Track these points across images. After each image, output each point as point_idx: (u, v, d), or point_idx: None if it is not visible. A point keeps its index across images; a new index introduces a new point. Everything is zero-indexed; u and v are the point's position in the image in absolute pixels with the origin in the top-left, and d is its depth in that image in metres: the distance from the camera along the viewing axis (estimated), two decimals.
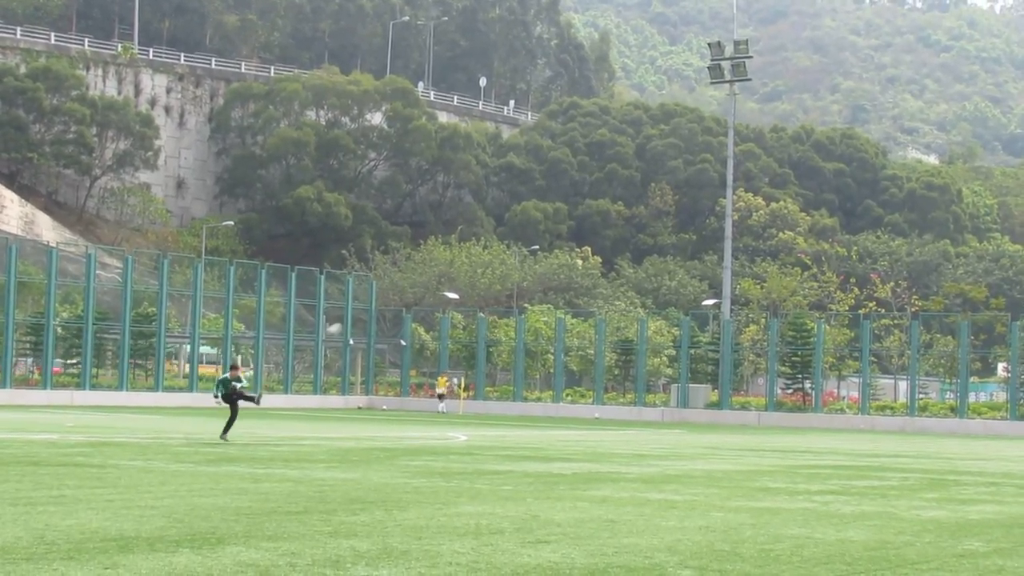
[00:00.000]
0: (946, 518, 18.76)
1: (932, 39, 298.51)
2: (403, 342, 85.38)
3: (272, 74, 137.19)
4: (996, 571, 13.46)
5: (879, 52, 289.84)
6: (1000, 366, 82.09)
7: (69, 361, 74.33)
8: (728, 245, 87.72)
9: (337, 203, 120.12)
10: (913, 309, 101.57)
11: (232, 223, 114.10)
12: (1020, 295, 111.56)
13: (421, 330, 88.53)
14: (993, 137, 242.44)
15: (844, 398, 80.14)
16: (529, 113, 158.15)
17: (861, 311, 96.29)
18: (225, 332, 76.84)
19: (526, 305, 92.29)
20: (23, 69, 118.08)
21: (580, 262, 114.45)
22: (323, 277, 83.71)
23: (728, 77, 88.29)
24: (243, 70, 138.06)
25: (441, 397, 75.52)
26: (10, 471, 22.55)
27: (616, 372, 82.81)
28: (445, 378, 79.25)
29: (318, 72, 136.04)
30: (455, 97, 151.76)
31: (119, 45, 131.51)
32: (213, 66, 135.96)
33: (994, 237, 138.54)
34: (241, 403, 33.71)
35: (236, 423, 34.04)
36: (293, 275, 79.82)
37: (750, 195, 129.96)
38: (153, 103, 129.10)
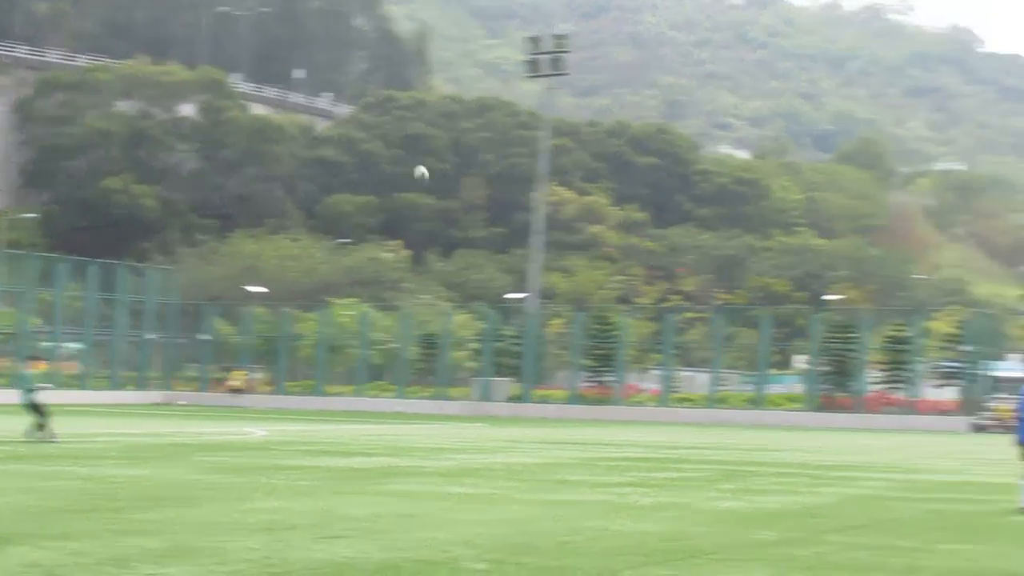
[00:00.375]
0: (741, 508, 18.98)
1: (750, 36, 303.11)
2: (204, 336, 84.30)
3: (83, 64, 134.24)
4: (787, 560, 13.61)
5: (698, 48, 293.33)
6: (799, 358, 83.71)
7: None
8: (537, 239, 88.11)
9: (144, 195, 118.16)
10: (717, 302, 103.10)
11: (34, 215, 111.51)
12: (822, 289, 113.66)
13: (224, 324, 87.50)
14: (805, 133, 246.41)
15: (646, 391, 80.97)
16: (345, 106, 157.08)
17: (666, 304, 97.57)
18: (21, 327, 75.07)
19: (331, 299, 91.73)
20: None
21: (388, 255, 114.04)
22: (124, 271, 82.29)
23: (546, 72, 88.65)
24: (53, 59, 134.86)
25: (236, 391, 74.74)
26: None
27: (420, 366, 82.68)
28: (243, 372, 78.48)
29: (129, 62, 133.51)
30: (270, 89, 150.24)
31: None
32: (21, 55, 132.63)
33: (801, 231, 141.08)
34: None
35: (45, 417, 31.74)
36: (93, 269, 78.26)
37: (562, 189, 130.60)
38: None
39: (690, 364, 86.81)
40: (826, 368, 74.68)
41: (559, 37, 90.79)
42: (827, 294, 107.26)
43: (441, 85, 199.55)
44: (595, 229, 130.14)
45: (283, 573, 11.81)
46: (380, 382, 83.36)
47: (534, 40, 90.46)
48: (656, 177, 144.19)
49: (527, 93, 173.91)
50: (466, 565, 12.49)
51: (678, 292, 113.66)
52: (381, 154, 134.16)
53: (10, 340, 77.54)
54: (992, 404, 68.39)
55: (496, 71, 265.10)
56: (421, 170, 25.52)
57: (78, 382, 77.30)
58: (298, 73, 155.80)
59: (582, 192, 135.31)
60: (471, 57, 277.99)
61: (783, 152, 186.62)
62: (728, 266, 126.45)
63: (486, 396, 76.49)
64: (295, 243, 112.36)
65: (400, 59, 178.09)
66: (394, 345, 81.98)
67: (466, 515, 16.95)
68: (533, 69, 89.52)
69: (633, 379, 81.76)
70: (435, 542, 14.02)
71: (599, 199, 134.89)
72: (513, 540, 14.47)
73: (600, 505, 18.96)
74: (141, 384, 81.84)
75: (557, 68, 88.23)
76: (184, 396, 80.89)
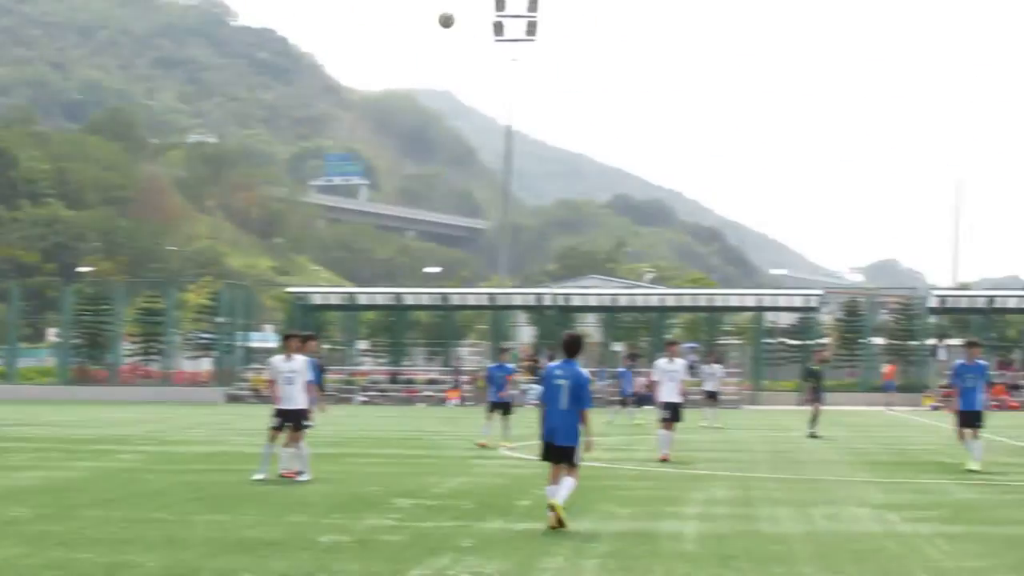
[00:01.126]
0: None
1: None
2: None
3: None
4: (41, 536, 13.50)
5: None
6: (52, 331, 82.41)
7: None
8: None
9: None
10: None
11: None
12: (73, 260, 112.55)
13: None
14: (53, 102, 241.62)
15: None
16: None
17: None
18: None
19: None
20: None
21: None
22: None
23: None
24: None
25: None
26: None
27: None
28: None
29: None
30: None
31: None
32: None
33: (50, 202, 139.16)
34: None
35: None
36: None
37: None
38: None
39: None
40: (79, 341, 73.71)
41: None
42: (79, 266, 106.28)
43: None
44: None
45: None
46: None
47: None
48: None
49: None
50: None
51: None
52: None
53: None
54: (247, 374, 69.94)
55: None
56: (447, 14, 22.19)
57: None
58: None
59: None
60: None
61: (30, 121, 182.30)
62: None
63: None
64: None
65: None
66: None
67: None
68: None
69: None
70: None
71: None
72: None
73: None
74: None
75: None
76: None
